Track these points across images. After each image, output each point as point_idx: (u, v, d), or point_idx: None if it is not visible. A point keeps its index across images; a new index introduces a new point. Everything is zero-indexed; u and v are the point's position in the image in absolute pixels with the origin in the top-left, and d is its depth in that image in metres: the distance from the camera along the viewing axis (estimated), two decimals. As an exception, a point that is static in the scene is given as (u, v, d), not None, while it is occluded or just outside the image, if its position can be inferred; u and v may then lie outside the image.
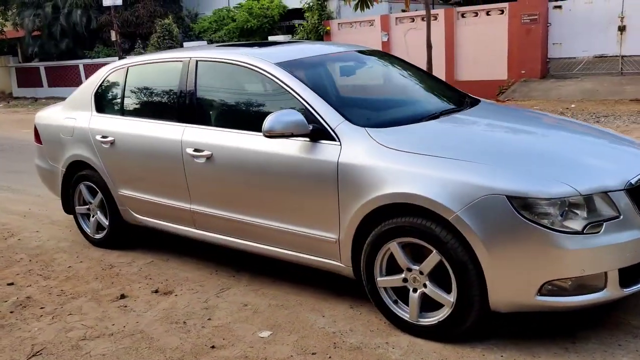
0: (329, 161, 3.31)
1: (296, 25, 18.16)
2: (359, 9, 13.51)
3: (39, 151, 5.34)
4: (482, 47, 14.75)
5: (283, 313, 3.59)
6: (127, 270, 4.42)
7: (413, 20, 16.12)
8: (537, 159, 3.09)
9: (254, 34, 22.99)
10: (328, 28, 17.30)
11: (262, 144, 3.60)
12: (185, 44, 20.59)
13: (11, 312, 3.85)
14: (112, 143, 4.48)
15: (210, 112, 4.05)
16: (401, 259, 3.14)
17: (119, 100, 4.62)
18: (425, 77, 4.40)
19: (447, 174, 2.96)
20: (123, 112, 4.55)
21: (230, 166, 3.76)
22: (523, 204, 2.78)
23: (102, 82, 4.76)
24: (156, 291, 4.02)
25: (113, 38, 19.77)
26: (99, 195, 4.77)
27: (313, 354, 3.12)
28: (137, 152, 4.33)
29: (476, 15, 15.21)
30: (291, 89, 3.57)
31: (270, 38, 18.73)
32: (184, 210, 4.14)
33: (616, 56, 13.79)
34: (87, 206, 4.95)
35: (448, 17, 15.34)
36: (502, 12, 14.80)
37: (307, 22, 17.89)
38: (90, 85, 4.87)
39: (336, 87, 3.95)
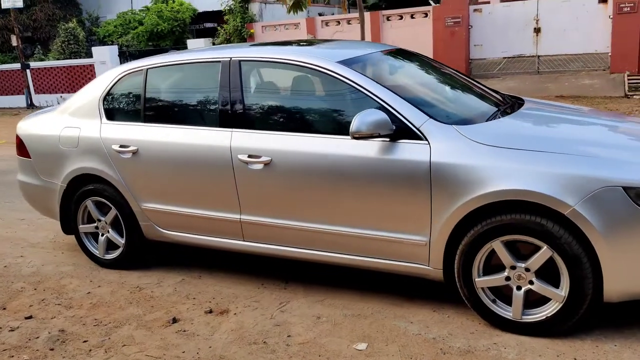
0: (419, 161, 3.19)
1: (218, 28, 17.65)
2: (291, 12, 13.42)
3: (24, 166, 4.74)
4: (409, 48, 15.15)
5: (365, 323, 3.42)
6: (161, 292, 4.03)
7: (339, 24, 16.28)
8: (632, 150, 3.16)
9: (164, 37, 22.20)
10: (252, 31, 17.03)
11: (334, 147, 3.42)
12: (93, 49, 19.39)
13: (51, 350, 3.37)
14: (134, 153, 4.06)
15: (265, 115, 3.78)
16: (506, 257, 3.09)
17: (138, 106, 4.19)
18: (458, 74, 4.40)
19: (558, 169, 2.95)
20: (146, 118, 4.14)
21: (296, 171, 3.53)
22: (638, 194, 2.83)
23: (112, 87, 4.30)
24: (210, 311, 3.69)
25: (14, 43, 18.19)
26: (112, 212, 4.31)
27: (427, 362, 3.00)
28: (168, 161, 3.95)
29: (401, 19, 15.65)
30: (363, 87, 3.42)
31: (189, 42, 18.10)
32: (230, 221, 3.84)
33: (533, 56, 14.73)
34: (95, 224, 4.46)
35: (374, 20, 15.64)
36: (426, 15, 15.35)
37: (228, 24, 17.47)
38: (94, 90, 4.39)
39: (400, 86, 3.84)
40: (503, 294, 3.20)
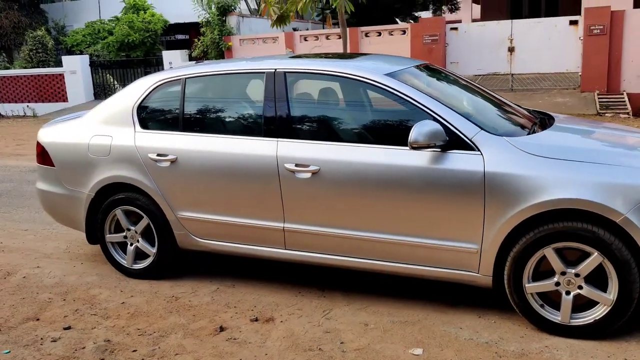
0: (473, 171, 3.31)
1: (195, 40, 17.58)
2: (274, 26, 13.51)
3: (46, 174, 4.66)
4: (387, 64, 15.45)
5: (414, 329, 3.50)
6: (199, 301, 4.02)
7: (317, 39, 16.45)
8: None
9: (135, 48, 21.93)
10: (230, 44, 17.03)
11: (383, 156, 3.52)
12: (64, 59, 19.02)
13: None
14: (172, 162, 4.06)
15: (312, 126, 3.84)
16: (557, 263, 3.23)
17: (176, 115, 4.19)
18: (483, 89, 4.56)
19: (608, 179, 3.11)
20: (184, 127, 4.14)
21: (344, 180, 3.60)
22: None
23: (146, 96, 4.29)
24: (256, 319, 3.70)
25: (-18, 50, 17.65)
26: (144, 221, 4.28)
27: (486, 365, 3.10)
28: (210, 170, 3.96)
29: (379, 35, 15.94)
30: (414, 99, 3.53)
31: (165, 54, 17.95)
32: (273, 230, 3.87)
33: (507, 74, 15.22)
34: (124, 234, 4.41)
35: (353, 36, 15.86)
36: (404, 32, 15.70)
37: (204, 36, 17.43)
38: (128, 98, 4.37)
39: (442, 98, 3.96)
40: (550, 299, 3.34)
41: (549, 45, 14.57)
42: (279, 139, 3.80)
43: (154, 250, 4.31)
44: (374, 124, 3.79)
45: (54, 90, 19.40)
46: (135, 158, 4.19)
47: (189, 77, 4.20)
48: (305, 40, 16.54)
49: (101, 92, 19.38)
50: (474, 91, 4.30)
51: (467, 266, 3.45)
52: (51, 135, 4.67)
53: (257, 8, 24.20)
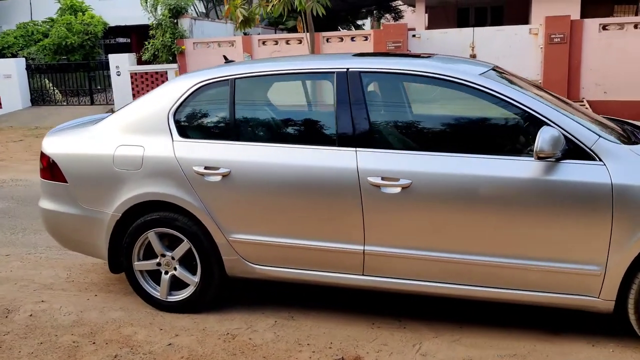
0: (598, 183, 2.95)
1: (146, 43, 16.60)
2: (239, 29, 12.92)
3: (54, 192, 3.92)
4: (351, 71, 15.14)
5: (528, 363, 3.09)
6: (261, 338, 3.44)
7: (277, 43, 15.92)
8: None
9: (73, 51, 20.57)
10: (183, 47, 16.19)
11: (488, 168, 3.10)
12: (-4, 61, 17.51)
13: (177, 421, 2.70)
14: (224, 176, 3.47)
15: (400, 133, 3.37)
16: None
17: (226, 122, 3.60)
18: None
19: None
20: (237, 136, 3.56)
21: (441, 196, 3.14)
22: None
23: (185, 99, 3.67)
24: (342, 359, 3.18)
25: None
26: (184, 245, 3.65)
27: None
28: (271, 185, 3.41)
29: (341, 41, 15.62)
30: (520, 103, 3.14)
31: (112, 57, 16.87)
32: (350, 253, 3.36)
33: (469, 81, 15.23)
34: (157, 260, 3.76)
35: (314, 41, 15.43)
36: (367, 38, 15.45)
37: (155, 39, 16.48)
38: (160, 103, 3.73)
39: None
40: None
41: (510, 53, 14.69)
42: (358, 149, 3.30)
43: (196, 279, 3.69)
44: (473, 131, 3.36)
45: (-17, 96, 17.80)
46: (175, 172, 3.56)
47: (239, 78, 3.61)
48: (264, 44, 15.94)
49: (39, 97, 17.99)
50: (555, 97, 3.96)
51: (586, 290, 3.08)
52: (61, 145, 3.94)
53: (204, 12, 23.35)
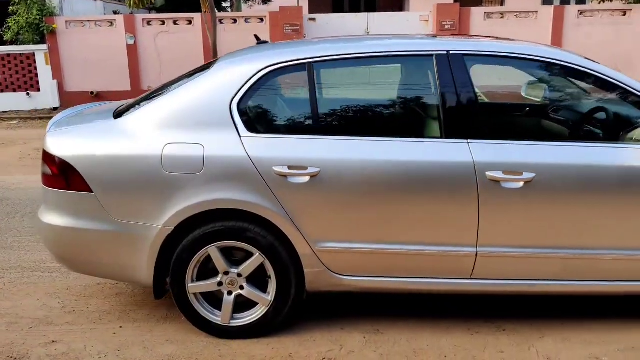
0: None
1: (9, 20, 14.46)
2: (132, 7, 11.78)
3: (71, 204, 3.09)
4: (247, 54, 14.54)
5: (651, 355, 3.03)
6: (367, 358, 3.00)
7: (164, 24, 14.76)
8: None
9: None
10: (55, 26, 14.35)
11: (615, 157, 2.96)
12: None
13: None
14: (313, 176, 2.95)
15: (514, 122, 3.08)
16: None
17: (306, 113, 3.06)
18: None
19: None
20: (323, 129, 3.04)
21: (569, 188, 2.95)
22: None
23: (250, 86, 3.05)
24: (472, 374, 2.87)
25: None
26: (256, 259, 3.08)
27: None
28: (369, 184, 2.96)
29: (235, 22, 14.91)
30: (629, 86, 3.03)
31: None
32: (460, 256, 3.04)
33: (365, 66, 15.39)
34: (217, 279, 3.13)
35: (207, 22, 14.56)
36: (262, 20, 14.92)
37: (18, 16, 14.42)
38: (217, 92, 3.06)
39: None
40: None
41: (403, 38, 15.08)
42: (470, 140, 2.98)
43: (269, 297, 3.14)
44: (593, 118, 3.18)
45: None
46: (249, 174, 2.97)
47: (317, 62, 3.09)
48: (149, 24, 14.66)
49: None
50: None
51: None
52: (78, 145, 3.12)
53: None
